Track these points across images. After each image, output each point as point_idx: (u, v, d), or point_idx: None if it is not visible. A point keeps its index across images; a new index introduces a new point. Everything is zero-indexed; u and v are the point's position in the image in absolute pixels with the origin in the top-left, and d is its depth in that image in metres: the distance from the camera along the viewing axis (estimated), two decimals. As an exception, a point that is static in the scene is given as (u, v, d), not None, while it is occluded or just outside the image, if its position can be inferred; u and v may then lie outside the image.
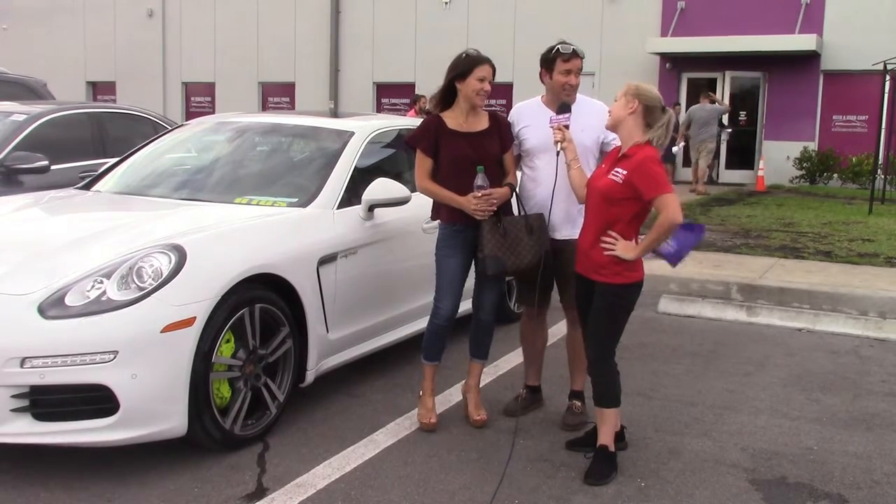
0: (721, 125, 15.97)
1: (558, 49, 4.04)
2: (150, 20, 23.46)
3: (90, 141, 6.92)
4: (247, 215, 4.20)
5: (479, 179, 3.90)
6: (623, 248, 3.52)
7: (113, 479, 3.46)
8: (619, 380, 3.69)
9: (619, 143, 3.71)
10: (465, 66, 3.98)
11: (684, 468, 3.75)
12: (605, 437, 3.67)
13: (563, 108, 3.96)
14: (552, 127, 3.91)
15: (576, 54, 4.03)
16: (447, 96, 4.07)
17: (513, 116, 4.24)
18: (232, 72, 22.37)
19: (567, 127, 3.89)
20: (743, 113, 17.56)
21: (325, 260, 4.18)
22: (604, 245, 3.53)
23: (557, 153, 3.92)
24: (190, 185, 4.81)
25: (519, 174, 4.27)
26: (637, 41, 17.65)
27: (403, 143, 4.36)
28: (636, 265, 3.58)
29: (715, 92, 16.97)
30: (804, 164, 16.61)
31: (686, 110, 16.77)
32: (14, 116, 6.56)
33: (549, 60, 4.06)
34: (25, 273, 3.53)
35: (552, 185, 4.00)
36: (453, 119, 4.05)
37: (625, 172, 3.48)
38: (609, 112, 3.67)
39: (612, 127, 3.66)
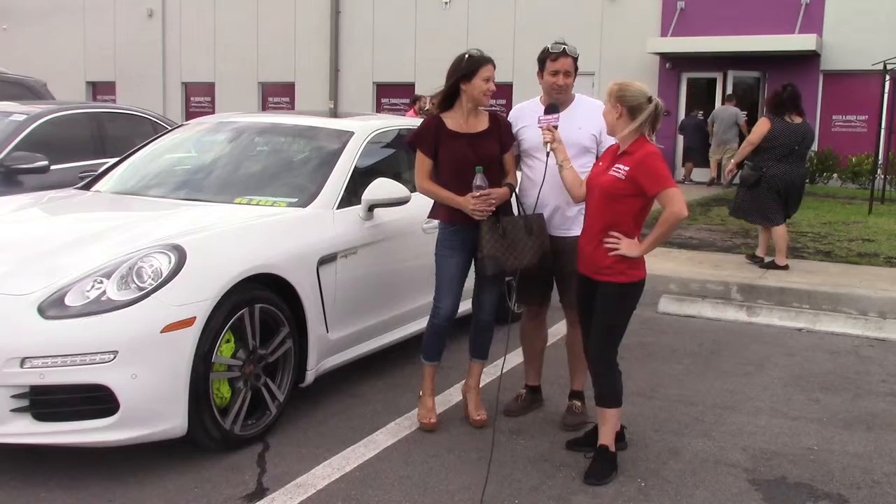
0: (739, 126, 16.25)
1: (547, 48, 4.04)
2: (150, 20, 23.46)
3: (90, 141, 6.92)
4: (247, 215, 4.20)
5: (478, 180, 3.90)
6: (627, 247, 3.52)
7: (113, 479, 3.46)
8: (620, 380, 3.69)
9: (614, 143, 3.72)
10: (469, 66, 3.97)
11: (684, 468, 3.75)
12: (606, 438, 3.66)
13: (551, 108, 3.93)
14: (541, 127, 3.90)
15: (565, 53, 4.00)
16: (449, 97, 4.07)
17: (512, 116, 4.24)
18: (232, 72, 22.38)
19: (556, 127, 3.87)
20: (745, 113, 17.59)
21: (325, 260, 4.18)
22: (607, 245, 3.53)
23: (547, 153, 3.92)
24: (190, 185, 4.81)
25: (519, 174, 4.28)
26: (637, 41, 17.65)
27: (404, 143, 4.37)
28: (639, 264, 3.58)
29: (715, 92, 17.06)
30: (804, 164, 16.60)
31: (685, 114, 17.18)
32: (14, 116, 6.56)
33: (541, 60, 4.06)
34: (25, 273, 3.53)
35: (548, 186, 4.00)
36: (453, 120, 4.05)
37: (627, 168, 3.48)
38: (604, 116, 3.66)
39: (611, 133, 3.66)
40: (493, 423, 3.96)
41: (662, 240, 3.57)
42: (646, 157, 3.47)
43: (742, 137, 16.14)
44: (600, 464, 3.62)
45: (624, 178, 3.48)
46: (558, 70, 4.00)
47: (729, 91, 17.11)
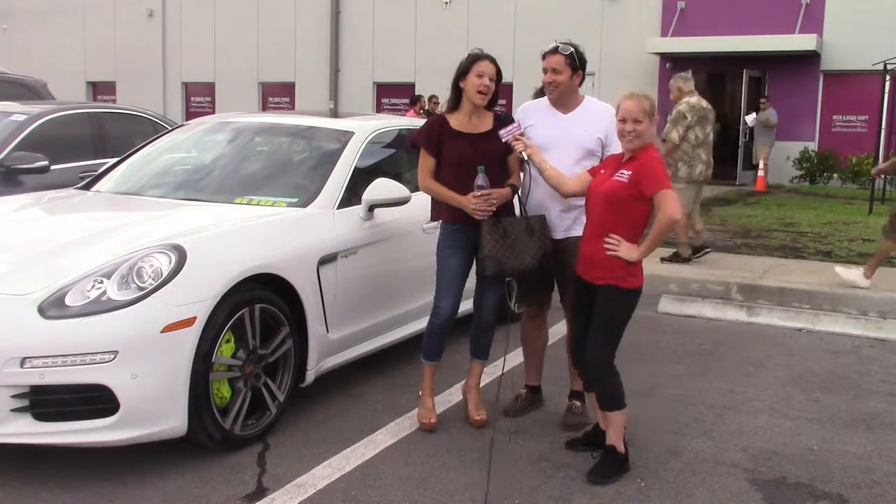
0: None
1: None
2: (150, 20, 23.46)
3: (90, 141, 6.91)
4: (247, 215, 4.20)
5: (480, 179, 3.90)
6: (626, 250, 3.53)
7: (113, 479, 3.46)
8: (620, 381, 3.68)
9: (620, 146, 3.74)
10: (465, 64, 4.00)
11: (684, 468, 3.75)
12: (613, 438, 3.66)
13: (505, 119, 4.01)
14: (507, 142, 3.94)
15: (555, 51, 4.01)
16: (456, 98, 4.08)
17: (519, 115, 4.24)
18: (232, 72, 22.38)
19: (522, 134, 3.92)
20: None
21: (325, 260, 4.18)
22: (607, 246, 3.54)
23: (526, 162, 3.94)
24: (190, 185, 4.81)
25: (523, 175, 4.27)
26: (637, 41, 17.65)
27: (407, 142, 4.38)
28: (637, 271, 3.60)
29: (713, 92, 17.09)
30: (804, 165, 16.62)
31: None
32: (14, 116, 6.55)
33: (542, 59, 4.09)
34: (25, 273, 3.53)
35: (548, 187, 4.01)
36: (457, 120, 4.06)
37: (630, 173, 3.54)
38: (642, 133, 3.60)
39: (641, 145, 3.62)
40: (493, 424, 3.96)
41: (657, 243, 3.60)
42: (648, 160, 3.55)
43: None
44: (607, 463, 3.63)
45: (627, 181, 3.52)
46: (547, 68, 4.03)
47: (737, 90, 17.14)
